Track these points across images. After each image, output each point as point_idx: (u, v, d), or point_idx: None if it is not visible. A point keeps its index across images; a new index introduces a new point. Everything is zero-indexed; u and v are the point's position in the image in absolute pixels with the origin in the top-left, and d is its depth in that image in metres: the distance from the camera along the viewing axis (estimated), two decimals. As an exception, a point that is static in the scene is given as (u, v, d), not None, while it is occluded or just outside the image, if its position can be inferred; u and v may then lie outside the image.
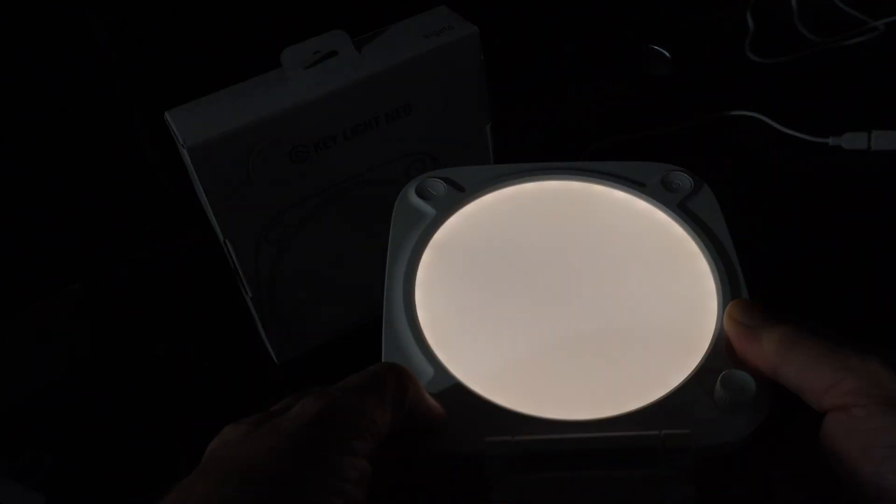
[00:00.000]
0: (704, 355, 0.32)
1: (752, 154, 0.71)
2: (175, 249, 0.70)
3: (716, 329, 0.33)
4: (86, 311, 0.68)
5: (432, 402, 0.30)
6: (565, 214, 0.38)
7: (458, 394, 0.31)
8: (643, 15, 0.87)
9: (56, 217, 0.56)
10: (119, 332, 0.63)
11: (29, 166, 0.53)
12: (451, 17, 0.52)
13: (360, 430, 0.26)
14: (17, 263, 0.55)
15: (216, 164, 0.46)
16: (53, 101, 0.52)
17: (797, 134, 0.71)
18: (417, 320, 0.34)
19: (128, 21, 0.51)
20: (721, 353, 0.32)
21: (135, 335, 0.62)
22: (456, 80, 0.51)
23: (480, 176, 0.39)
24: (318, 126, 0.48)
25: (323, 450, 0.25)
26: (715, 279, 0.35)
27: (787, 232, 0.63)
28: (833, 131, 0.69)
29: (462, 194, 0.38)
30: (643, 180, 0.38)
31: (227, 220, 0.49)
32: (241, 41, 0.55)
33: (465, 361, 0.32)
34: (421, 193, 0.38)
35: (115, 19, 0.50)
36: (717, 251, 0.36)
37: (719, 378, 0.30)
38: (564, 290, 0.35)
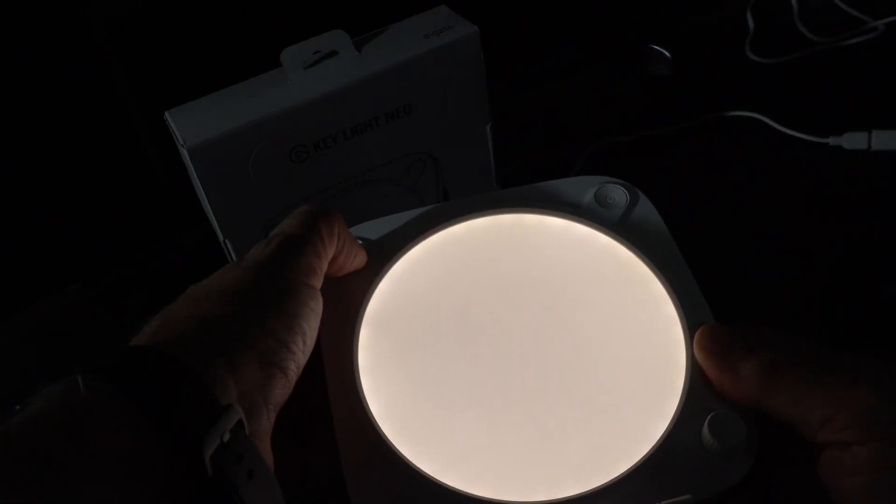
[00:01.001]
0: (682, 396, 0.29)
1: (753, 154, 0.71)
2: (175, 249, 0.70)
3: (687, 362, 0.30)
4: (86, 311, 0.68)
5: (357, 242, 0.34)
6: (500, 256, 0.34)
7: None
8: (643, 15, 0.87)
9: (56, 217, 0.56)
10: (119, 332, 0.63)
11: (29, 166, 0.53)
12: (451, 17, 0.52)
13: (310, 260, 0.31)
14: (17, 263, 0.55)
15: (216, 164, 0.46)
16: (53, 102, 0.52)
17: (797, 134, 0.71)
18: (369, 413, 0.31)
19: (128, 21, 0.51)
20: (699, 389, 0.29)
21: (135, 335, 0.62)
22: (456, 80, 0.51)
23: (397, 229, 0.35)
24: (318, 126, 0.48)
25: (281, 271, 0.30)
26: (674, 302, 0.32)
27: (787, 232, 0.63)
28: (833, 131, 0.69)
29: (382, 254, 0.34)
30: (577, 200, 0.35)
31: (227, 220, 0.49)
32: (241, 41, 0.55)
33: (435, 455, 0.29)
34: None
35: (115, 19, 0.50)
36: (669, 270, 0.33)
37: (706, 423, 0.28)
38: (516, 347, 0.31)
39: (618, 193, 0.35)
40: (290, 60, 0.48)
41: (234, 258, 0.51)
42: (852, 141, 0.68)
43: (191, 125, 0.46)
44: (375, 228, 0.36)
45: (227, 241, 0.50)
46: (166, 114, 0.47)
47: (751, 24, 0.85)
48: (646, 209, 0.35)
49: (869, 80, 0.77)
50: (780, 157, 0.70)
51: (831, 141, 0.69)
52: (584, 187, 0.35)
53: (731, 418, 0.28)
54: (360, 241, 0.35)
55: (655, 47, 0.81)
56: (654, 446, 0.29)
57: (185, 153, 0.46)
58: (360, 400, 0.32)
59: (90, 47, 0.51)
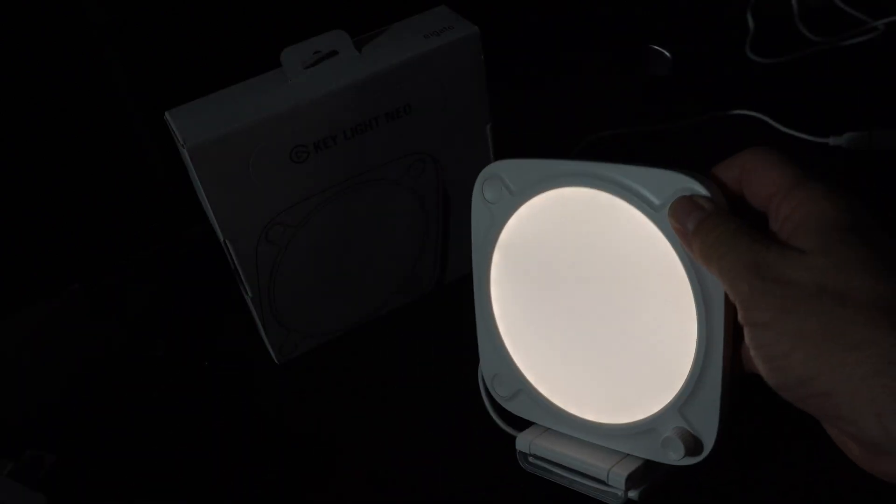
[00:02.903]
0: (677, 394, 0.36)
1: (753, 154, 0.71)
2: (175, 249, 0.70)
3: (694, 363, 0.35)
4: (86, 311, 0.68)
5: None
6: (590, 230, 0.38)
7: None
8: (643, 15, 0.87)
9: (56, 217, 0.56)
10: (119, 332, 0.63)
11: (29, 167, 0.53)
12: (451, 17, 0.52)
13: None
14: (17, 263, 0.55)
15: (216, 164, 0.46)
16: (54, 102, 0.52)
17: (798, 134, 0.71)
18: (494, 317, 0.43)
19: (128, 21, 0.51)
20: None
21: (135, 335, 0.62)
22: (456, 80, 0.51)
23: (527, 176, 0.40)
24: (318, 126, 0.48)
25: None
26: (698, 309, 0.35)
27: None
28: (834, 131, 0.69)
29: (513, 197, 0.40)
30: (657, 197, 0.35)
31: (227, 220, 0.49)
32: (241, 41, 0.55)
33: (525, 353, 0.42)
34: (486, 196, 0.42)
35: (115, 19, 0.50)
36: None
37: (661, 440, 0.37)
38: (589, 303, 0.39)
39: None
40: (290, 60, 0.48)
41: (234, 258, 0.51)
42: (852, 141, 0.68)
43: (191, 125, 0.46)
44: (508, 171, 0.41)
45: (227, 241, 0.50)
46: (166, 114, 0.47)
47: (751, 24, 0.85)
48: None
49: (869, 80, 0.77)
50: (780, 157, 0.70)
51: (831, 141, 0.69)
52: (671, 184, 0.35)
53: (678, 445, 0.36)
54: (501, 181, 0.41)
55: (655, 47, 0.81)
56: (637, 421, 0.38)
57: (185, 153, 0.46)
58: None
59: (90, 47, 0.51)
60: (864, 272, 0.28)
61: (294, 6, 0.56)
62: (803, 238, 0.30)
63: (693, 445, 0.36)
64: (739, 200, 0.34)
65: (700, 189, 0.34)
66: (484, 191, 0.41)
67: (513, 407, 0.44)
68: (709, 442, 0.36)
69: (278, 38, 0.49)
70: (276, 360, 0.58)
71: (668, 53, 0.80)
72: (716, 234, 0.32)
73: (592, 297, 0.39)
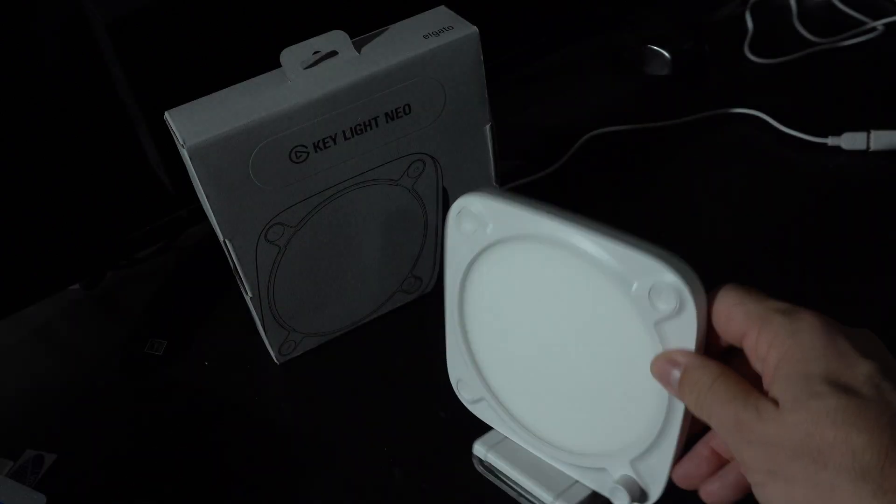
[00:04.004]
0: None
1: (752, 154, 0.71)
2: (175, 249, 0.70)
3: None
4: (86, 311, 0.68)
5: None
6: (564, 287, 0.37)
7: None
8: (643, 15, 0.87)
9: (56, 217, 0.55)
10: (119, 332, 0.63)
11: (29, 166, 0.53)
12: (451, 17, 0.52)
13: None
14: (17, 263, 0.55)
15: (216, 164, 0.46)
16: (54, 102, 0.52)
17: (797, 134, 0.71)
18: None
19: (128, 21, 0.51)
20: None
21: (135, 335, 0.62)
22: (456, 80, 0.51)
23: (505, 221, 0.38)
24: (318, 126, 0.48)
25: None
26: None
27: (786, 232, 0.63)
28: (832, 131, 0.69)
29: (489, 234, 0.39)
30: (634, 281, 0.33)
31: (227, 220, 0.49)
32: (241, 41, 0.55)
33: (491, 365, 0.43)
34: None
35: (115, 19, 0.50)
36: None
37: (610, 483, 0.38)
38: (559, 342, 0.39)
39: (669, 299, 0.33)
40: (290, 60, 0.48)
41: (234, 258, 0.51)
42: (852, 141, 0.68)
43: (191, 125, 0.46)
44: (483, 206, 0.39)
45: (227, 241, 0.50)
46: (166, 114, 0.47)
47: (750, 24, 0.86)
48: (687, 320, 0.33)
49: (868, 81, 0.77)
50: (779, 157, 0.70)
51: (830, 141, 0.69)
52: (650, 271, 0.33)
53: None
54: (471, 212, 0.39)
55: (655, 47, 0.81)
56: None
57: (185, 153, 0.46)
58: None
59: (90, 47, 0.51)
60: (837, 426, 0.27)
61: (294, 6, 0.56)
62: (778, 386, 0.30)
63: (639, 496, 0.37)
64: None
65: (679, 284, 0.32)
66: (461, 222, 0.39)
67: (476, 410, 0.45)
68: (654, 496, 0.37)
69: (278, 38, 0.49)
70: (276, 360, 0.58)
71: (667, 54, 0.80)
72: (696, 393, 0.32)
73: (563, 340, 0.38)
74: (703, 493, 0.35)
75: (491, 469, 0.43)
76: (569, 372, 0.39)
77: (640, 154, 0.72)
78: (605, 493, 0.39)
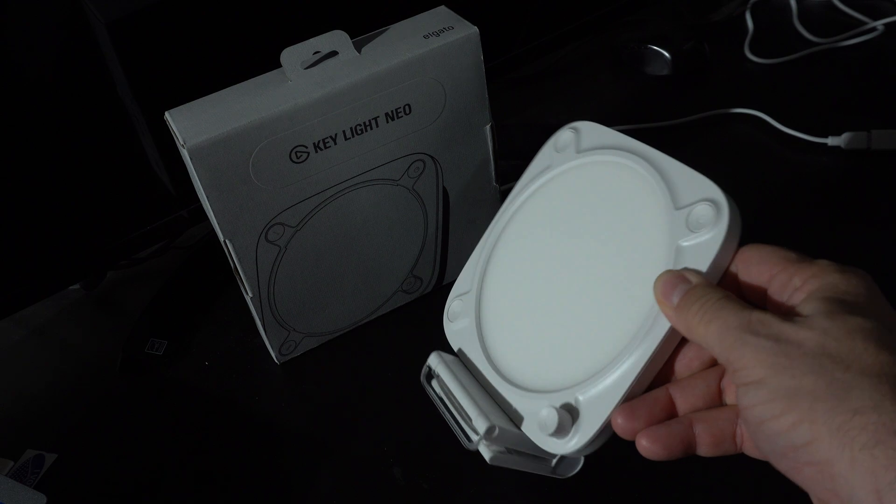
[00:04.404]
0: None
1: (752, 154, 0.71)
2: (175, 249, 0.70)
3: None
4: (86, 311, 0.68)
5: None
6: (609, 201, 0.40)
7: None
8: (643, 15, 0.88)
9: (56, 217, 0.56)
10: (119, 332, 0.63)
11: (29, 166, 0.53)
12: (451, 17, 0.52)
13: None
14: (17, 263, 0.55)
15: (216, 164, 0.46)
16: (53, 102, 0.52)
17: (797, 134, 0.71)
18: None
19: (128, 21, 0.51)
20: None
21: (135, 335, 0.62)
22: (456, 80, 0.51)
23: (597, 139, 0.42)
24: (318, 126, 0.48)
25: None
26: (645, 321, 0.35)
27: (786, 232, 0.63)
28: (833, 131, 0.69)
29: (575, 155, 0.43)
30: (686, 192, 0.36)
31: (228, 220, 0.49)
32: (241, 41, 0.55)
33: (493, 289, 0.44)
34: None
35: (115, 19, 0.50)
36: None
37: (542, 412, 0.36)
38: (568, 265, 0.40)
39: (707, 217, 0.35)
40: (290, 60, 0.48)
41: (234, 258, 0.51)
42: (852, 141, 0.68)
43: (191, 125, 0.46)
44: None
45: (227, 241, 0.50)
46: (166, 114, 0.47)
47: (750, 24, 0.86)
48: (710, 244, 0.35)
49: (868, 80, 0.77)
50: (779, 157, 0.70)
51: (830, 141, 0.69)
52: (699, 190, 0.36)
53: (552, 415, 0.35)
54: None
55: (655, 47, 0.81)
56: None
57: (185, 153, 0.46)
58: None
59: (90, 47, 0.51)
60: (870, 340, 0.27)
61: (294, 6, 0.56)
62: (813, 303, 0.29)
63: (567, 428, 0.34)
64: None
65: (722, 200, 0.34)
66: (559, 139, 0.44)
67: (452, 329, 0.45)
68: (586, 434, 0.34)
69: (278, 38, 0.49)
70: (276, 360, 0.58)
71: (667, 54, 0.80)
72: (700, 303, 0.31)
73: (584, 258, 0.39)
74: (642, 439, 0.33)
75: (433, 376, 0.42)
76: (563, 298, 0.39)
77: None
78: (532, 425, 0.36)
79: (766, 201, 0.66)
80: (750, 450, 0.33)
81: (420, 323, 0.60)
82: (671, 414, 0.34)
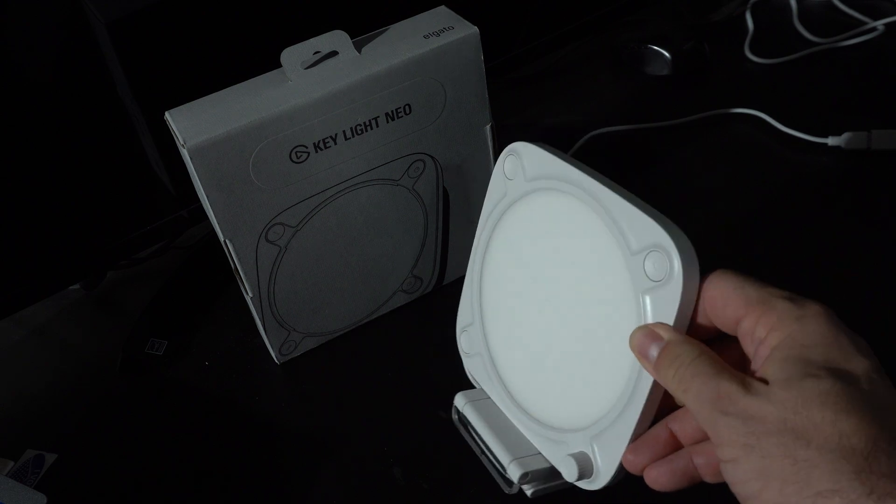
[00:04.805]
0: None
1: (752, 154, 0.71)
2: (175, 249, 0.70)
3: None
4: (86, 311, 0.68)
5: None
6: (573, 243, 0.39)
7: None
8: (643, 15, 0.88)
9: (57, 217, 0.56)
10: (119, 332, 0.63)
11: (29, 166, 0.53)
12: (451, 17, 0.52)
13: None
14: (18, 263, 0.55)
15: (216, 164, 0.46)
16: (53, 102, 0.52)
17: (797, 134, 0.71)
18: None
19: (128, 21, 0.51)
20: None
21: (135, 335, 0.62)
22: (456, 80, 0.51)
23: (543, 169, 0.40)
24: (318, 126, 0.48)
25: None
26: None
27: (786, 231, 0.63)
28: (833, 131, 0.69)
29: (525, 183, 0.41)
30: (636, 238, 0.34)
31: (228, 220, 0.49)
32: (241, 41, 0.55)
33: (495, 321, 0.44)
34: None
35: (115, 19, 0.50)
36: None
37: (564, 455, 0.37)
38: (558, 304, 0.40)
39: (661, 268, 0.33)
40: (290, 60, 0.48)
41: (234, 258, 0.51)
42: (852, 141, 0.68)
43: (191, 125, 0.46)
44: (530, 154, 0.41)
45: (227, 241, 0.50)
46: (167, 114, 0.47)
47: (750, 24, 0.86)
48: (671, 292, 0.33)
49: (869, 80, 0.77)
50: (779, 157, 0.70)
51: (830, 141, 0.69)
52: (650, 235, 0.34)
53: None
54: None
55: (655, 47, 0.81)
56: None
57: (185, 153, 0.46)
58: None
59: (90, 47, 0.51)
60: (826, 407, 0.27)
61: (294, 6, 0.56)
62: (773, 366, 0.29)
63: (590, 473, 0.37)
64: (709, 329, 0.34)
65: (672, 250, 0.32)
66: (505, 165, 0.42)
67: (469, 365, 0.46)
68: (606, 475, 0.36)
69: (278, 38, 0.49)
70: (276, 360, 0.58)
71: (667, 54, 0.80)
72: (674, 367, 0.31)
73: (559, 301, 0.39)
74: (649, 475, 0.34)
75: (464, 421, 0.44)
76: (556, 338, 0.40)
77: (640, 154, 0.72)
78: (557, 464, 0.39)
79: (766, 201, 0.66)
80: None
81: (420, 323, 0.60)
82: (675, 446, 0.35)
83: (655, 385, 0.34)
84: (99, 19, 0.50)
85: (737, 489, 0.29)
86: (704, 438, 0.34)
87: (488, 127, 0.55)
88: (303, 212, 0.51)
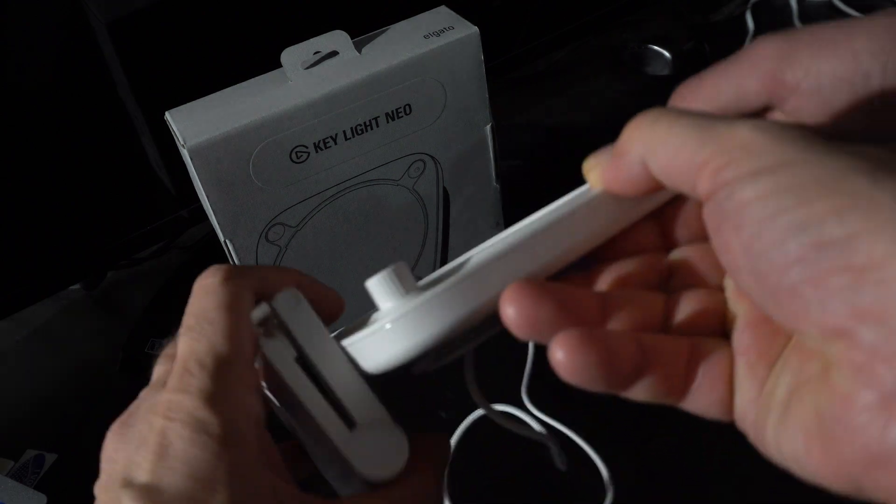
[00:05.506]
0: None
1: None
2: (175, 249, 0.70)
3: None
4: (86, 311, 0.68)
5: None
6: None
7: None
8: (643, 15, 0.87)
9: (57, 217, 0.56)
10: (119, 332, 0.63)
11: (29, 166, 0.53)
12: (451, 17, 0.52)
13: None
14: (18, 263, 0.55)
15: (216, 164, 0.46)
16: (53, 102, 0.52)
17: (797, 134, 0.71)
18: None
19: (128, 21, 0.51)
20: None
21: (135, 335, 0.62)
22: (456, 80, 0.51)
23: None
24: (318, 126, 0.48)
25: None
26: None
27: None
28: (833, 131, 0.69)
29: None
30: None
31: (228, 220, 0.49)
32: (241, 41, 0.55)
33: None
34: None
35: (115, 19, 0.50)
36: None
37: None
38: None
39: None
40: (290, 60, 0.48)
41: (234, 258, 0.51)
42: (852, 141, 0.68)
43: (191, 125, 0.46)
44: None
45: (227, 241, 0.50)
46: (166, 114, 0.47)
47: (750, 24, 0.86)
48: None
49: (868, 81, 0.77)
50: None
51: (831, 141, 0.69)
52: None
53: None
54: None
55: (655, 47, 0.81)
56: None
57: (185, 153, 0.46)
58: None
59: (90, 47, 0.51)
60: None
61: (294, 6, 0.56)
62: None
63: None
64: None
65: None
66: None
67: None
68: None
69: (278, 38, 0.49)
70: (276, 360, 0.58)
71: (667, 54, 0.80)
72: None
73: None
74: (570, 340, 0.22)
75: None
76: None
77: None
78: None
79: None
80: (699, 400, 0.24)
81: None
82: (595, 321, 0.24)
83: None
84: (99, 19, 0.50)
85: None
86: (648, 329, 0.25)
87: (488, 127, 0.55)
88: (303, 212, 0.51)
